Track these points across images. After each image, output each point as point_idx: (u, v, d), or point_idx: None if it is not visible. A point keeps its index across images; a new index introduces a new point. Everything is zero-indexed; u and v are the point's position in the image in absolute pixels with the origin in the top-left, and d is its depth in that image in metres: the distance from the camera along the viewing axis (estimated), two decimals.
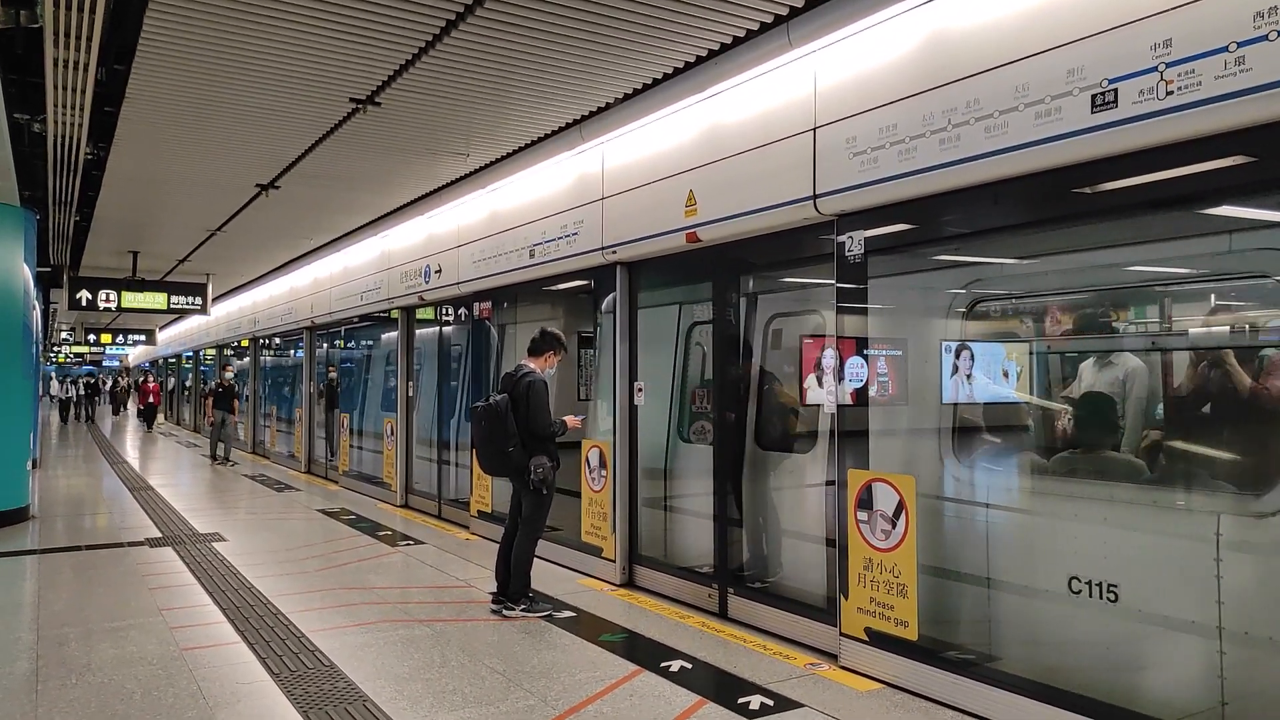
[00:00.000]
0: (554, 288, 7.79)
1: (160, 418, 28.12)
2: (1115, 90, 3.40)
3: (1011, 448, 4.84)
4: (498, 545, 6.06)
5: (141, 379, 37.03)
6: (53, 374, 48.51)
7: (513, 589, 5.81)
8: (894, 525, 4.40)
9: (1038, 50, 3.68)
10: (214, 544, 8.20)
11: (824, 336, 4.75)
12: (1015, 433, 4.95)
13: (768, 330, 6.28)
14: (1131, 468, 4.15)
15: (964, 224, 4.37)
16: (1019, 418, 4.98)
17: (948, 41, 4.11)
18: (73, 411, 31.11)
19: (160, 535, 8.67)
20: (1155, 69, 3.27)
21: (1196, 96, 3.15)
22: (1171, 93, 3.23)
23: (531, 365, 5.97)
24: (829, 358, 4.78)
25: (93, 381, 33.57)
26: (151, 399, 26.39)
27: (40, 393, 21.61)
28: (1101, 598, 3.80)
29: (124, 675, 4.61)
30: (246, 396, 18.28)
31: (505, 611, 5.76)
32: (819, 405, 5.47)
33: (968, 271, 4.89)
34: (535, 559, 5.92)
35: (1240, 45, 3.04)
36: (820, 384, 5.65)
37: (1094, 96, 3.47)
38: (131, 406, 36.83)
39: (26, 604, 6.20)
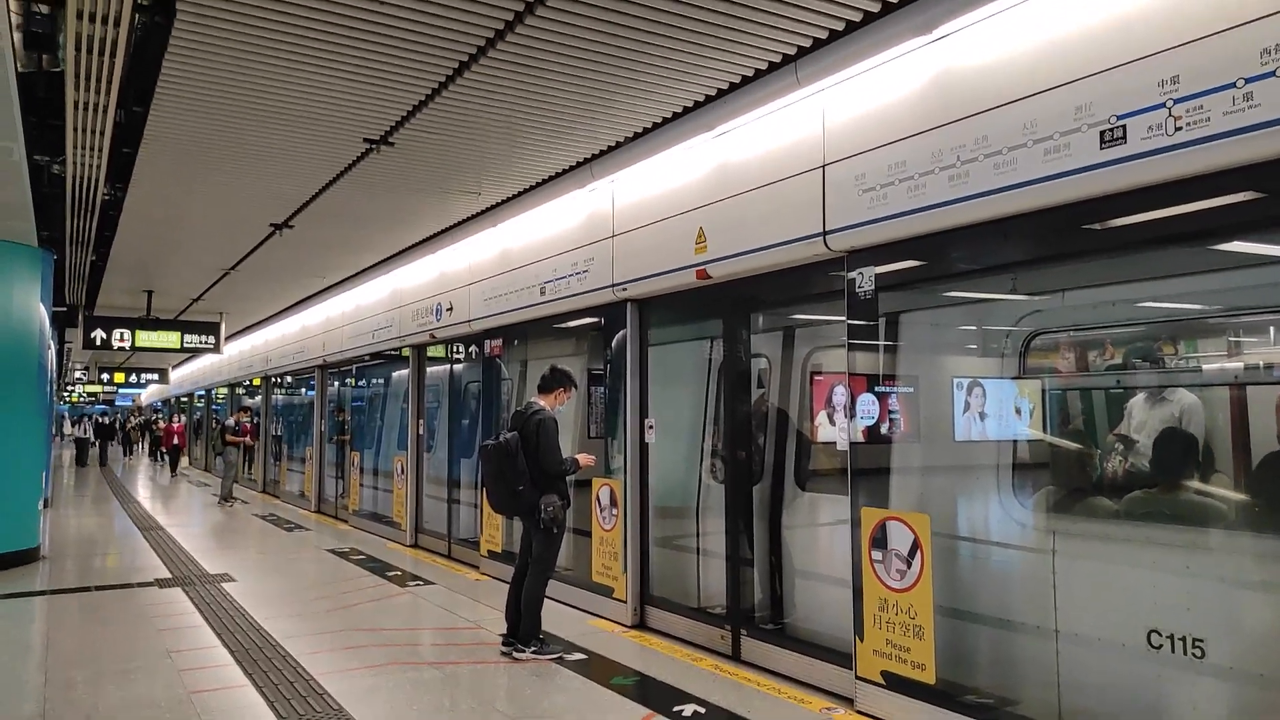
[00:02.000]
0: (565, 325, 7.80)
1: (185, 461, 26.12)
2: (1124, 126, 3.41)
3: (1075, 487, 4.71)
4: (508, 585, 6.00)
5: (155, 418, 36.86)
6: (65, 414, 48.65)
7: (523, 630, 5.74)
8: (909, 565, 4.33)
9: (1046, 87, 3.70)
10: (223, 585, 8.16)
11: (868, 374, 4.67)
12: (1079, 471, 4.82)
13: (806, 365, 6.24)
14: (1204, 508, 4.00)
15: (974, 260, 4.36)
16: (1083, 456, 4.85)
17: (956, 79, 4.14)
18: (90, 452, 28.78)
19: (170, 576, 8.63)
20: (1164, 105, 3.28)
21: (1205, 132, 3.16)
22: (1180, 129, 3.23)
23: (541, 403, 5.96)
24: (860, 397, 4.73)
25: (106, 422, 31.66)
26: (176, 441, 23.93)
27: (53, 433, 21.69)
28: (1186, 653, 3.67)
29: (131, 719, 4.55)
30: (245, 440, 17.81)
31: (516, 653, 5.69)
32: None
33: (1016, 307, 4.82)
34: (546, 599, 5.85)
35: (1248, 81, 3.05)
36: (833, 419, 5.61)
37: (1102, 133, 3.48)
38: (142, 447, 36.47)
39: (35, 645, 6.16)
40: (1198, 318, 4.38)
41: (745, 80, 5.02)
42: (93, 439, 28.59)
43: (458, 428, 10.36)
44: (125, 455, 34.50)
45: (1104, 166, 3.46)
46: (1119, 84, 3.43)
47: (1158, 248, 3.80)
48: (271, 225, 8.91)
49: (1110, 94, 3.46)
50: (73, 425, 43.73)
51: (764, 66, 4.84)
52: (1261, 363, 4.07)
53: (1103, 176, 3.47)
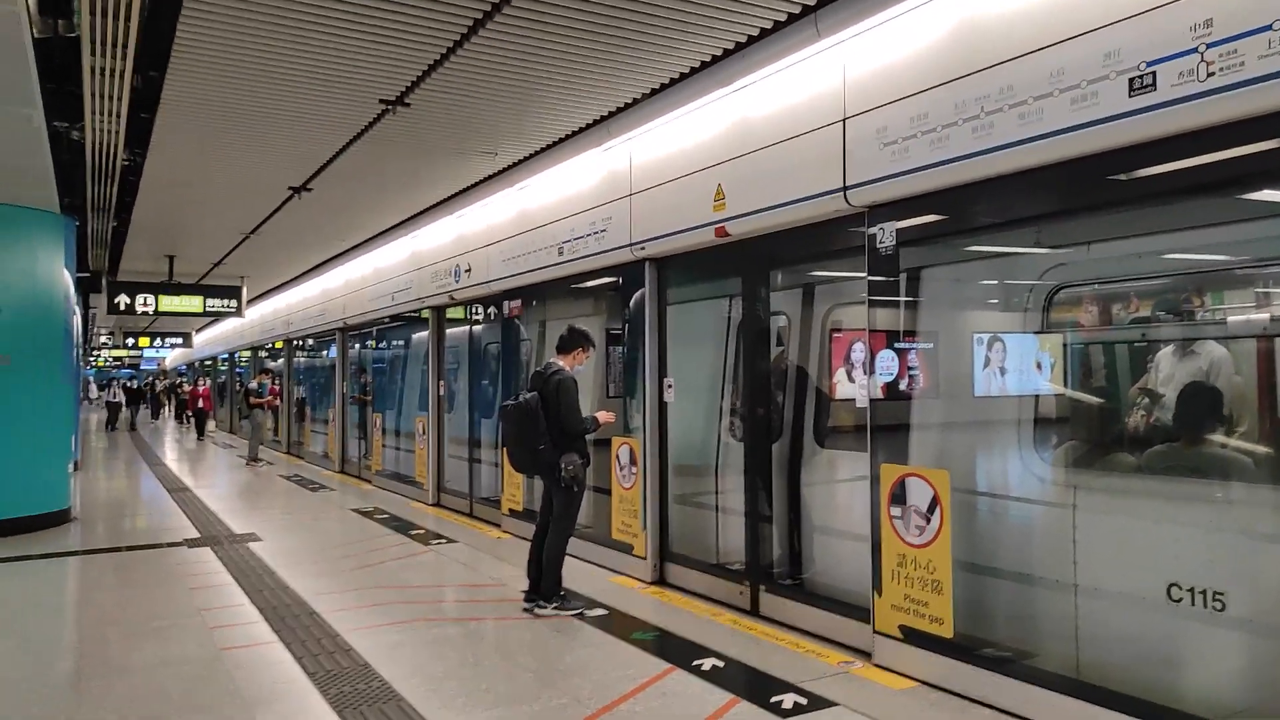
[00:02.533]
0: (583, 285, 7.79)
1: (211, 425, 25.08)
2: (1154, 73, 3.32)
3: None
4: (529, 543, 6.07)
5: (179, 381, 37.18)
6: (91, 378, 49.34)
7: (545, 587, 5.81)
8: (928, 521, 4.33)
9: (1073, 34, 3.60)
10: (250, 544, 8.30)
11: (888, 330, 4.62)
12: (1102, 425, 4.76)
13: (825, 322, 6.20)
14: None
15: (997, 213, 4.29)
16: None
17: (979, 28, 4.04)
18: (121, 416, 27.60)
19: (198, 536, 8.80)
20: (1195, 50, 3.19)
21: (1239, 77, 3.06)
22: (1213, 74, 3.14)
23: (560, 363, 5.97)
24: (880, 354, 4.69)
25: (136, 386, 30.58)
26: (202, 404, 23.06)
27: (80, 396, 21.93)
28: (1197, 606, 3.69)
29: (164, 675, 4.67)
30: (272, 401, 17.76)
31: (537, 610, 5.77)
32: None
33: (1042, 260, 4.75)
34: (567, 557, 5.92)
35: None
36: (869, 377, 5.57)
37: (1131, 80, 3.39)
38: (169, 410, 36.90)
39: (69, 604, 6.32)
40: (1227, 269, 4.30)
41: (764, 33, 4.93)
42: (124, 403, 28.40)
43: (478, 388, 10.42)
44: (154, 419, 34.77)
45: (1133, 115, 3.38)
46: (1149, 29, 3.34)
47: (1187, 198, 3.70)
48: (290, 188, 8.91)
49: (1140, 40, 3.37)
50: (100, 390, 44.17)
51: (783, 18, 4.75)
52: None
53: (1132, 125, 3.39)
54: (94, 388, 47.61)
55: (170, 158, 7.66)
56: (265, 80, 5.66)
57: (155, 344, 31.59)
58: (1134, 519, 4.08)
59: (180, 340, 31.22)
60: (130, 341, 32.16)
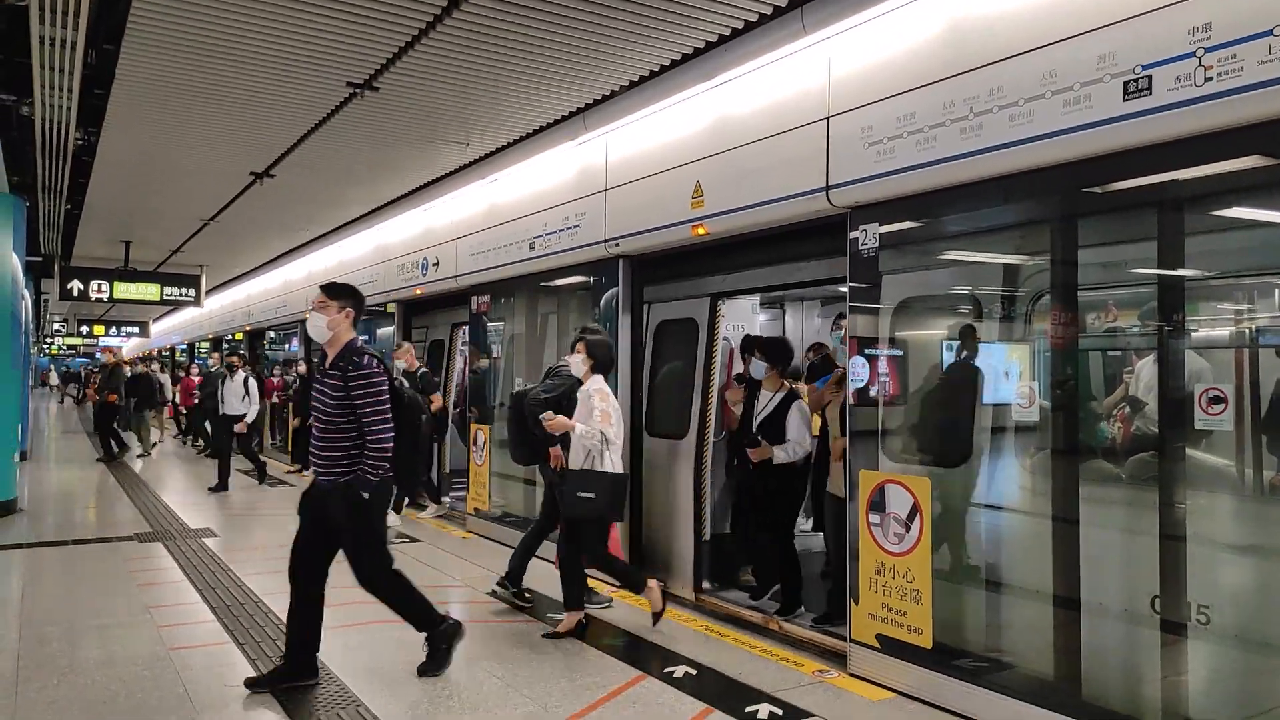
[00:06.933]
0: (555, 282, 7.63)
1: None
2: (1149, 77, 3.25)
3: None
4: (493, 544, 5.91)
5: (159, 368, 27.20)
6: (49, 366, 47.86)
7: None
8: (908, 529, 4.25)
9: (1067, 35, 3.53)
10: (204, 539, 8.03)
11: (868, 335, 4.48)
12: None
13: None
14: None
15: (984, 217, 4.21)
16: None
17: (971, 27, 3.96)
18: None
19: (150, 530, 8.49)
20: (1193, 54, 3.13)
21: (1238, 83, 3.00)
22: (1210, 79, 3.08)
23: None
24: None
25: (135, 377, 16.50)
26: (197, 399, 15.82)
27: (32, 383, 20.91)
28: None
29: (108, 676, 4.44)
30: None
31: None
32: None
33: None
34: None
35: None
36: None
37: (1126, 83, 3.32)
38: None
39: (11, 600, 6.02)
40: (1220, 277, 4.25)
41: (749, 26, 4.81)
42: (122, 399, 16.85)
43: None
44: (186, 437, 19.56)
45: (1127, 119, 3.31)
46: (1145, 32, 3.27)
47: (1184, 207, 3.64)
48: (252, 174, 8.64)
49: (1136, 42, 3.30)
50: (66, 381, 41.40)
51: (769, 12, 4.64)
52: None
53: (1126, 129, 3.32)
54: (54, 375, 46.16)
55: (126, 138, 7.37)
56: (227, 58, 5.43)
57: (110, 332, 30.77)
58: (1117, 529, 4.02)
59: (137, 329, 30.48)
60: (85, 329, 31.30)
